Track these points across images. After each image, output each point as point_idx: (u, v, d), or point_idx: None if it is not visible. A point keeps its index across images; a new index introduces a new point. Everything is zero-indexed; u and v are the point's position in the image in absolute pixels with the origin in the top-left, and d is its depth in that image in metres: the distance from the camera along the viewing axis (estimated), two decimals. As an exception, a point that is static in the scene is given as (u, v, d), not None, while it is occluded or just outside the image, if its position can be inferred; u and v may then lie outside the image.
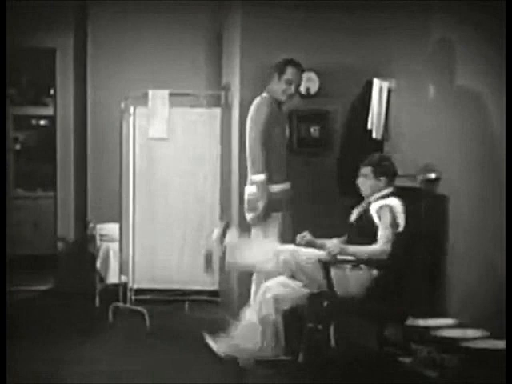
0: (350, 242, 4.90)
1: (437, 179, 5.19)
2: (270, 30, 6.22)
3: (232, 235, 5.12)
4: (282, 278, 4.86)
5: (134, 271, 6.47)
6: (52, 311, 6.91)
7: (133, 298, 6.45)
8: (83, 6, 7.53)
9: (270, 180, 5.38)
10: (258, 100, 5.47)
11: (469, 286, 4.86)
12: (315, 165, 6.24)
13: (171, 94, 6.46)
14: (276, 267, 4.87)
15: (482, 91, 4.83)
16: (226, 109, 6.64)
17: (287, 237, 5.32)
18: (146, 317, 6.22)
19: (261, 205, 5.35)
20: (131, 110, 6.47)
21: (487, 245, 4.74)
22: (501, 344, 3.97)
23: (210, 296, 6.68)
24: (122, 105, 6.52)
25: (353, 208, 5.09)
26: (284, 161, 5.51)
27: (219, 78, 7.27)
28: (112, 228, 6.91)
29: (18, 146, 9.98)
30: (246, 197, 5.50)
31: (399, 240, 4.76)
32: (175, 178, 6.51)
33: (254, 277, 5.37)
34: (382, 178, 4.98)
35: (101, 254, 7.02)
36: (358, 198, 5.06)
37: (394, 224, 4.78)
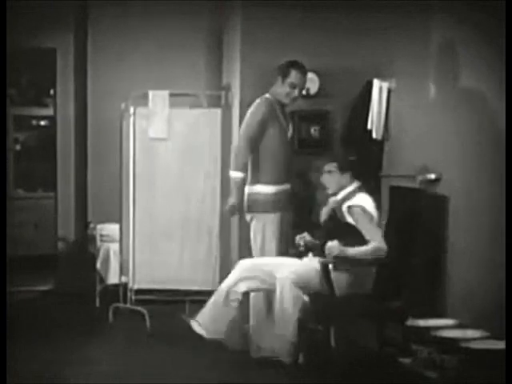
0: (322, 242, 4.88)
1: (436, 179, 5.19)
2: (270, 30, 6.22)
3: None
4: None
5: (135, 271, 6.46)
6: (52, 311, 6.91)
7: (133, 298, 6.44)
8: (83, 6, 7.52)
9: (257, 180, 5.38)
10: (258, 100, 5.46)
11: (469, 286, 4.86)
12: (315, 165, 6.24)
13: (171, 95, 6.44)
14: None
15: (483, 92, 4.83)
16: (227, 109, 6.64)
17: (286, 237, 5.32)
18: (147, 317, 6.23)
19: (230, 201, 5.35)
20: (131, 110, 6.46)
21: (487, 245, 4.74)
22: (501, 344, 3.97)
23: (209, 296, 6.67)
24: (123, 105, 6.51)
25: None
26: (283, 162, 5.45)
27: (219, 78, 7.26)
28: (112, 228, 6.91)
29: (18, 147, 9.93)
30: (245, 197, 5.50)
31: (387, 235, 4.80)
32: (175, 178, 6.49)
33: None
34: (347, 174, 4.97)
35: (101, 254, 7.03)
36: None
37: (373, 221, 4.81)
